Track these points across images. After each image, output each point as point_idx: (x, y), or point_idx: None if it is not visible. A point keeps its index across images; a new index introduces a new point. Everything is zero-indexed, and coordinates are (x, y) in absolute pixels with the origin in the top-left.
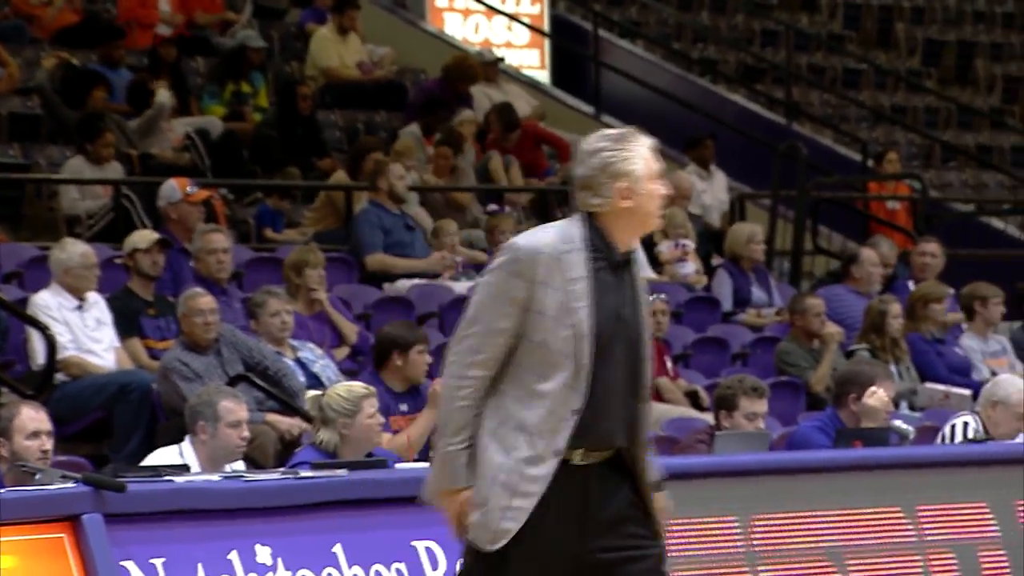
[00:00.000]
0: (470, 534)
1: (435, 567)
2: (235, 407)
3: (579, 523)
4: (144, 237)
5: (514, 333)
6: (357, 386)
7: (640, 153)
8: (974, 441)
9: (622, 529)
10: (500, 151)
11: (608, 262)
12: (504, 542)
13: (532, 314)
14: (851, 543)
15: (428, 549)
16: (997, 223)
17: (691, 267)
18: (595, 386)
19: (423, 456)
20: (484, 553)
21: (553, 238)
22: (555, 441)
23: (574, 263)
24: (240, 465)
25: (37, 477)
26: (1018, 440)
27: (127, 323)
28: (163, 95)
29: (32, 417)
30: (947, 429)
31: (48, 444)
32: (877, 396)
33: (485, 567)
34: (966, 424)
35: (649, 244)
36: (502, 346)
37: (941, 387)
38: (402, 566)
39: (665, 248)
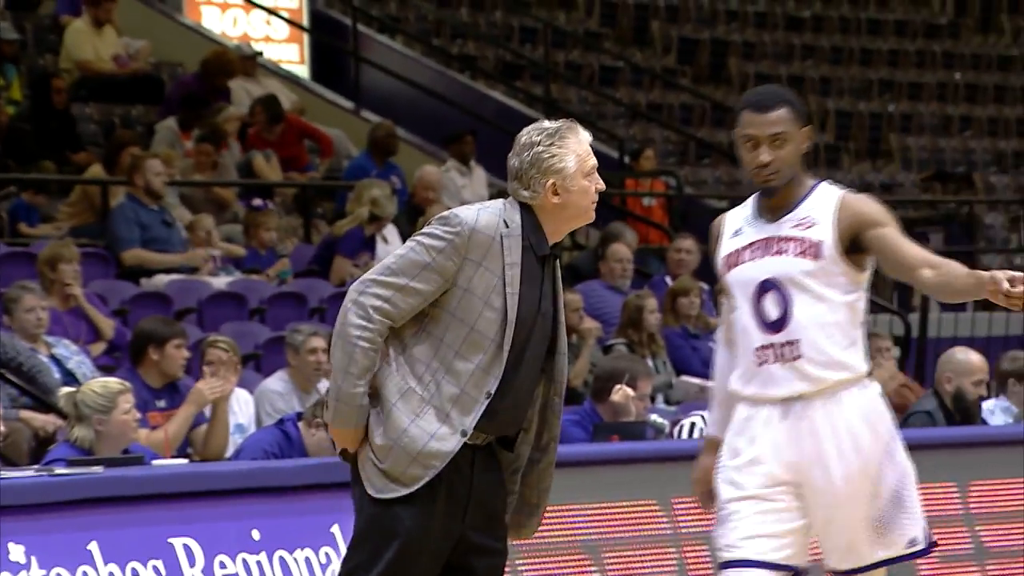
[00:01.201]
0: (362, 473)
1: (192, 564)
2: None
3: (463, 505)
4: None
5: (429, 299)
6: (112, 382)
7: (573, 149)
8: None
9: (495, 523)
10: (261, 145)
11: (535, 253)
12: (394, 495)
13: (458, 289)
14: (608, 536)
15: (186, 546)
16: None
17: None
18: (510, 373)
19: (181, 452)
20: (372, 496)
21: (497, 220)
22: (464, 421)
23: (512, 248)
24: None
25: None
26: None
27: None
28: None
29: None
30: (676, 430)
31: None
32: (622, 392)
33: (372, 507)
34: (693, 424)
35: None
36: (414, 307)
37: (697, 380)
38: (159, 563)
39: None
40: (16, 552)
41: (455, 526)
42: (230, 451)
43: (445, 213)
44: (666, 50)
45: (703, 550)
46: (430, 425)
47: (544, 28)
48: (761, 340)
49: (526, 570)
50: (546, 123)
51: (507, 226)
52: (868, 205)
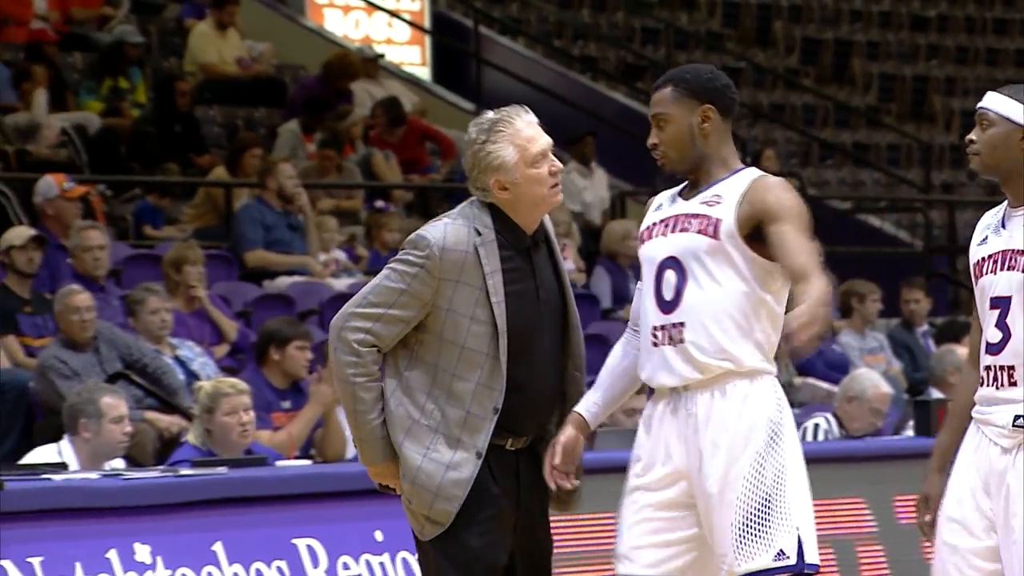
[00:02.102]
0: (407, 515)
1: (316, 564)
2: (117, 403)
3: (514, 515)
4: (20, 234)
5: (413, 323)
6: (225, 383)
7: (510, 141)
8: (854, 438)
9: (543, 520)
10: (381, 147)
11: (517, 249)
12: (433, 535)
13: (440, 311)
14: None
15: (309, 547)
16: (874, 220)
17: (570, 265)
18: (524, 375)
19: (304, 453)
20: (419, 539)
21: (467, 232)
22: (476, 442)
23: (490, 255)
24: (120, 463)
25: None
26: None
27: (3, 321)
28: (40, 97)
29: None
30: (800, 432)
31: None
32: None
33: (422, 548)
34: (816, 426)
35: None
36: (398, 333)
37: (824, 384)
38: (283, 564)
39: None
40: (142, 552)
41: (508, 538)
42: (351, 452)
43: (414, 236)
44: (789, 50)
45: (828, 552)
46: (443, 456)
47: (666, 29)
48: (655, 320)
49: None
50: (487, 115)
51: (479, 234)
52: (776, 194)
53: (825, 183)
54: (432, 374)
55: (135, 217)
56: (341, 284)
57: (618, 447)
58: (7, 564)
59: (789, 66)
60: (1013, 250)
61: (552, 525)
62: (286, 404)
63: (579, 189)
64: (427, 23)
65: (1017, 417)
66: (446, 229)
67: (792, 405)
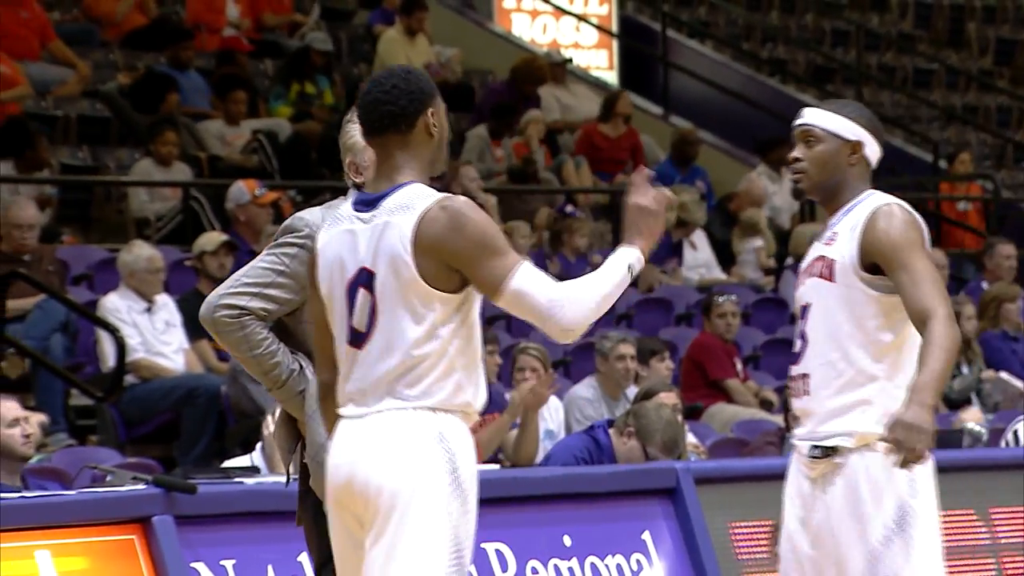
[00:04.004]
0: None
1: (505, 569)
2: None
3: None
4: (212, 239)
5: (289, 308)
6: None
7: None
8: None
9: None
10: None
11: None
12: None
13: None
14: None
15: (498, 551)
16: None
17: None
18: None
19: (492, 458)
20: None
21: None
22: None
23: None
24: None
25: (108, 479)
26: None
27: (196, 325)
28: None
29: (7, 407)
30: (1010, 435)
31: (30, 428)
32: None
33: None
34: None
35: (724, 244)
36: (274, 311)
37: (1017, 382)
38: (472, 568)
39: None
40: None
41: None
42: (539, 457)
43: (288, 221)
44: (982, 51)
45: (1021, 560)
46: None
47: (856, 31)
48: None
49: None
50: None
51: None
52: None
53: (1020, 185)
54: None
55: None
56: None
57: None
58: (200, 567)
59: (983, 67)
60: (816, 256)
61: (744, 530)
62: None
63: (769, 194)
64: (614, 27)
65: (815, 447)
66: (323, 212)
67: (984, 408)
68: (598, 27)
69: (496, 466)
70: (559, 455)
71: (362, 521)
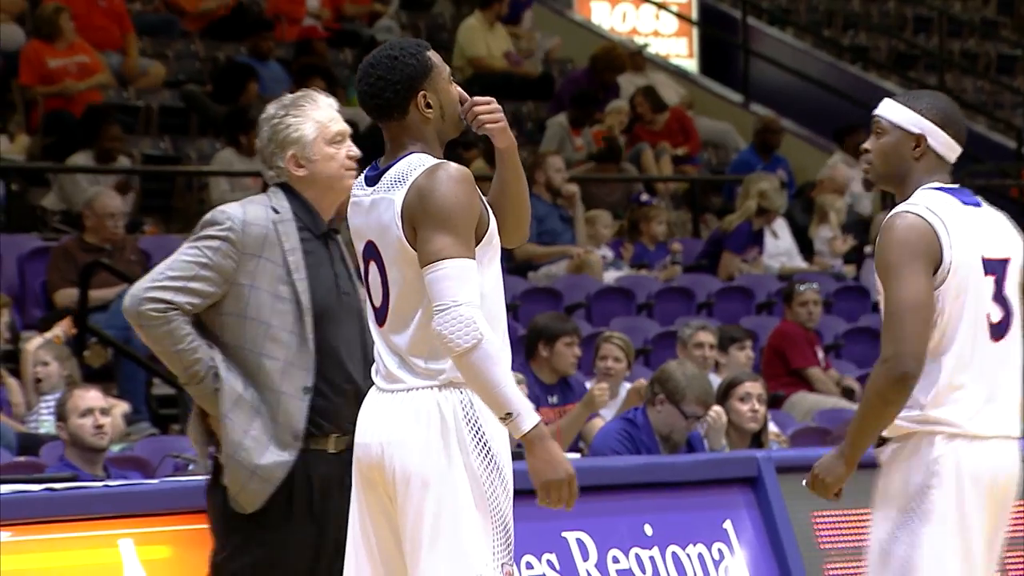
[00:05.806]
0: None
1: (586, 558)
2: None
3: (322, 518)
4: None
5: (210, 300)
6: None
7: (311, 116)
8: None
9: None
10: (650, 138)
11: (313, 233)
12: (248, 511)
13: (243, 288)
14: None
15: (579, 540)
16: None
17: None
18: (331, 365)
19: (573, 447)
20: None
21: (264, 210)
22: (292, 424)
23: (289, 233)
24: None
25: (190, 468)
26: None
27: None
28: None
29: (87, 397)
30: None
31: (102, 419)
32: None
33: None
34: None
35: (805, 232)
36: (199, 305)
37: None
38: (553, 557)
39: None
40: None
41: (311, 540)
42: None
43: (209, 215)
44: None
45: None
46: (263, 436)
47: (939, 17)
48: None
49: None
50: (286, 96)
51: (277, 212)
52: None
53: None
54: (242, 355)
55: None
56: (609, 277)
57: None
58: None
59: None
60: None
61: (826, 520)
62: (553, 399)
63: (847, 180)
64: (694, 15)
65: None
66: (244, 207)
67: None
68: (678, 15)
69: (577, 455)
70: (600, 444)
71: (392, 499)
